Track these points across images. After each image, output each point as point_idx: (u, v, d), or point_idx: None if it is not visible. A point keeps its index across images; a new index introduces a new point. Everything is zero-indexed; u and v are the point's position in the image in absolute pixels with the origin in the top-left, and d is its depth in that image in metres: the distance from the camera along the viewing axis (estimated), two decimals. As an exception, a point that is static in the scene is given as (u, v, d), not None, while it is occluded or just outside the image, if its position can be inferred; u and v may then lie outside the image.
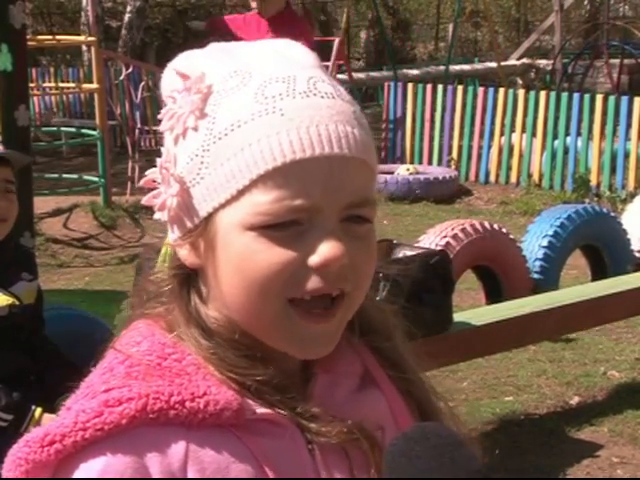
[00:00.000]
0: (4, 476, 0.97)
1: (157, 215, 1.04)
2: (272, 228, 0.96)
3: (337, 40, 13.72)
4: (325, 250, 0.96)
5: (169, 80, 1.05)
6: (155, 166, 1.05)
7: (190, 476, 0.96)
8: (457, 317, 4.41)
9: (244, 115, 0.97)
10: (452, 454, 0.90)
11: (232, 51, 1.04)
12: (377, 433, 1.04)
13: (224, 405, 0.97)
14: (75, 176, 10.62)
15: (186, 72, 1.02)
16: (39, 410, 2.95)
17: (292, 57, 1.03)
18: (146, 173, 1.05)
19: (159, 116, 1.04)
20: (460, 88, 12.14)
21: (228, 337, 1.02)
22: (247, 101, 0.97)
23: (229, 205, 0.97)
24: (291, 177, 0.95)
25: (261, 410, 0.99)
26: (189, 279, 1.05)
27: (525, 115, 11.31)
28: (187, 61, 1.04)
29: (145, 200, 1.04)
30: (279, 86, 0.98)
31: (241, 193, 0.96)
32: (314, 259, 0.96)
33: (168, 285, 1.06)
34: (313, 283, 0.97)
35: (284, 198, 0.95)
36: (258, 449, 0.98)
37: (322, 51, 11.39)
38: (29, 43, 6.12)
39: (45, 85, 13.35)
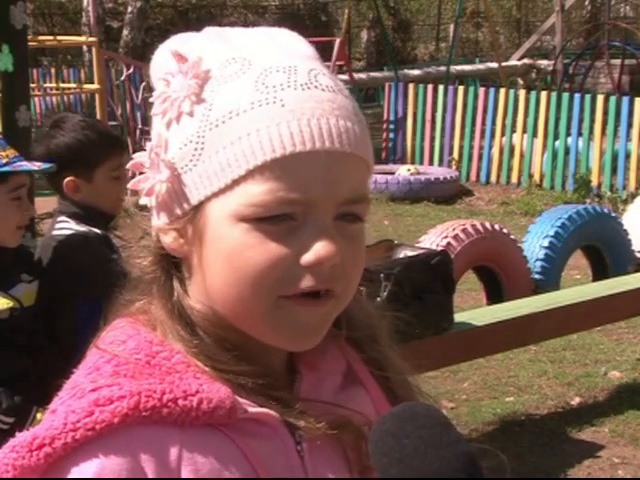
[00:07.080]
0: None
1: (143, 200, 1.01)
2: (265, 221, 0.93)
3: (338, 40, 13.75)
4: (319, 249, 0.93)
5: (162, 62, 1.01)
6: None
7: (184, 476, 0.93)
8: (458, 317, 4.41)
9: (243, 103, 0.94)
10: (440, 435, 0.89)
11: (229, 37, 1.02)
12: (364, 428, 1.01)
13: (217, 403, 0.94)
14: (76, 177, 10.61)
15: (183, 54, 0.99)
16: (41, 412, 2.94)
17: (291, 47, 1.01)
18: (134, 156, 1.01)
19: (151, 99, 1.00)
20: (461, 88, 12.15)
21: (213, 332, 0.99)
22: (247, 89, 0.95)
23: (222, 194, 0.94)
24: (289, 170, 0.93)
25: (252, 409, 0.96)
26: (171, 268, 1.02)
27: (526, 115, 11.32)
28: (183, 44, 1.01)
29: (131, 184, 1.01)
30: (280, 76, 0.95)
31: (236, 183, 0.94)
32: (307, 257, 0.94)
33: (150, 274, 1.03)
34: (305, 282, 0.94)
35: (280, 190, 0.92)
36: (250, 450, 0.96)
37: (323, 51, 11.39)
38: (30, 44, 6.11)
39: (46, 86, 13.39)
